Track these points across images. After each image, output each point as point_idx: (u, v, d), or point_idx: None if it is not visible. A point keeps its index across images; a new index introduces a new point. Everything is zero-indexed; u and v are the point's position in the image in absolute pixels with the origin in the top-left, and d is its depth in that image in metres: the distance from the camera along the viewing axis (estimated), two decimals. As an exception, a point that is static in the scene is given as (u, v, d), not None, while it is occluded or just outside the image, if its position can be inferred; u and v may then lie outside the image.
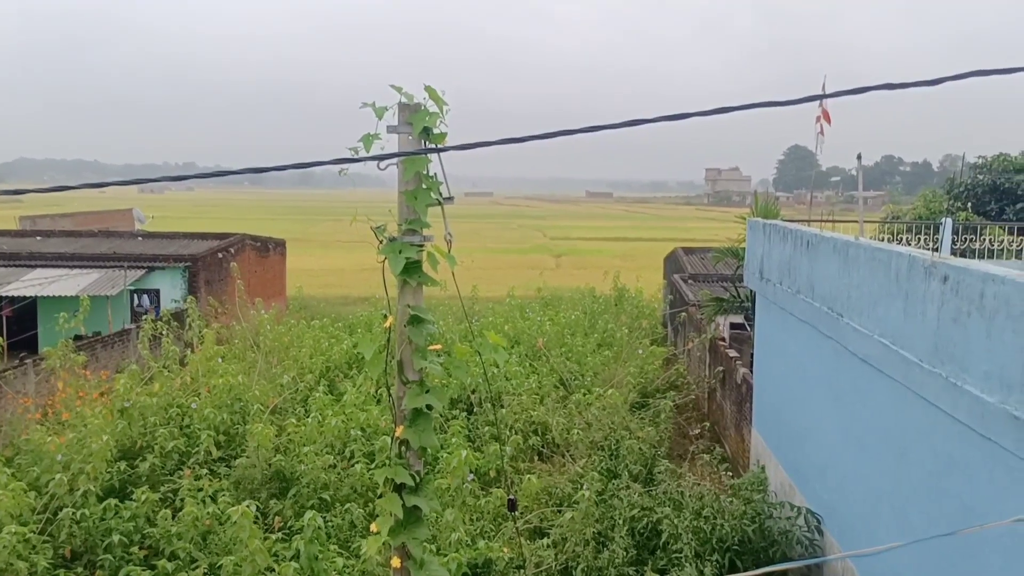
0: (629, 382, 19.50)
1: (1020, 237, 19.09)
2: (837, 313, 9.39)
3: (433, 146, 4.96)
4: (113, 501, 11.32)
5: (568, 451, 15.15)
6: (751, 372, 15.62)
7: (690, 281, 29.14)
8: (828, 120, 15.18)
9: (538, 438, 15.91)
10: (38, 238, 34.70)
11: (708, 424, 18.82)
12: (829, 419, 10.13)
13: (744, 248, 15.94)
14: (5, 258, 28.52)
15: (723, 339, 20.74)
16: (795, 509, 10.63)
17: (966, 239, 19.35)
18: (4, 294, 25.41)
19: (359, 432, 14.27)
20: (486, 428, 15.78)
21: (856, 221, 12.30)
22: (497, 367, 17.57)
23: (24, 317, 26.10)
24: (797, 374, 11.72)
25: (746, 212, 19.77)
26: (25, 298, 25.61)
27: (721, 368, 18.97)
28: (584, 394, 17.56)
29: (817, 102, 14.57)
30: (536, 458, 15.44)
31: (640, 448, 14.36)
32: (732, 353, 18.54)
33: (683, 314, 25.61)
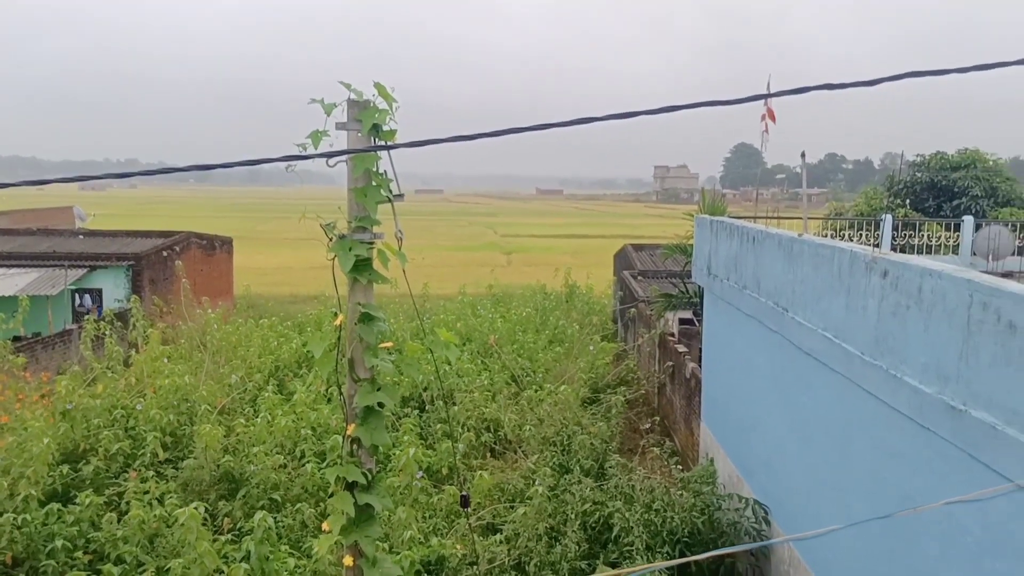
0: (580, 378, 19.64)
1: (956, 233, 19.71)
2: (782, 308, 9.59)
3: (383, 143, 4.94)
4: (56, 506, 11.03)
5: (520, 447, 15.21)
6: (700, 367, 15.85)
7: (640, 277, 29.44)
8: (773, 119, 15.47)
9: (490, 435, 15.94)
10: (-27, 236, 33.59)
11: (658, 418, 19.05)
12: (775, 412, 10.34)
13: (692, 245, 16.17)
14: (-62, 257, 27.57)
15: (672, 334, 21.01)
16: (743, 500, 10.83)
17: (905, 235, 19.92)
18: (-63, 294, 24.57)
19: (310, 431, 14.13)
20: (438, 425, 15.75)
21: (800, 218, 12.57)
22: (449, 364, 17.55)
23: (-41, 318, 25.26)
24: (744, 368, 11.94)
25: (694, 209, 20.06)
26: (-40, 298, 24.79)
27: (671, 363, 19.21)
28: (536, 390, 17.64)
29: (762, 101, 14.84)
30: (489, 455, 15.47)
31: (592, 443, 14.48)
32: (681, 348, 18.78)
33: (633, 310, 25.87)
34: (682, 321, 22.44)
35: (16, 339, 18.96)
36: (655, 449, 15.10)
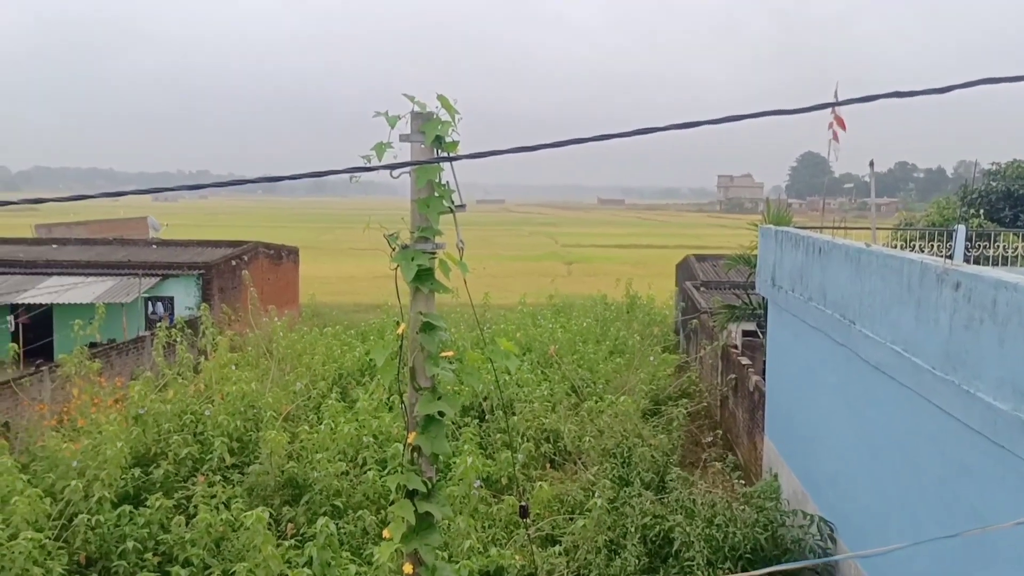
0: (641, 389, 19.47)
1: (1034, 244, 18.98)
2: (849, 320, 9.38)
3: (445, 155, 5.01)
4: (127, 507, 11.40)
5: (580, 458, 15.14)
6: (763, 380, 15.58)
7: (702, 288, 29.09)
8: (843, 126, 15.17)
9: (550, 445, 15.91)
10: (54, 246, 35.04)
11: (720, 432, 18.77)
12: (841, 426, 10.10)
13: (756, 255, 15.92)
14: (21, 266, 28.80)
15: (735, 346, 20.69)
16: (808, 517, 10.59)
17: (980, 246, 19.26)
18: (20, 301, 25.66)
19: (371, 439, 14.30)
20: (498, 435, 15.78)
21: (869, 228, 12.29)
22: (509, 374, 17.60)
23: (40, 324, 26.31)
24: (809, 381, 11.69)
25: (758, 219, 19.74)
26: (41, 305, 25.84)
27: (733, 376, 18.92)
28: (596, 401, 17.55)
29: (829, 109, 14.56)
30: (548, 465, 15.43)
31: (652, 456, 14.34)
32: (744, 360, 18.49)
33: (695, 321, 25.56)
34: (745, 333, 22.09)
35: (92, 345, 19.64)
36: (717, 463, 14.86)
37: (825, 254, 10.54)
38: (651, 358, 22.44)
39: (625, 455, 14.48)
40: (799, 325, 11.86)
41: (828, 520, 10.33)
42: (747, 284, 20.62)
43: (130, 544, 10.77)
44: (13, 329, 24.61)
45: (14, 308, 25.73)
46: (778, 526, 11.00)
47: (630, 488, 12.54)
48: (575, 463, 15.13)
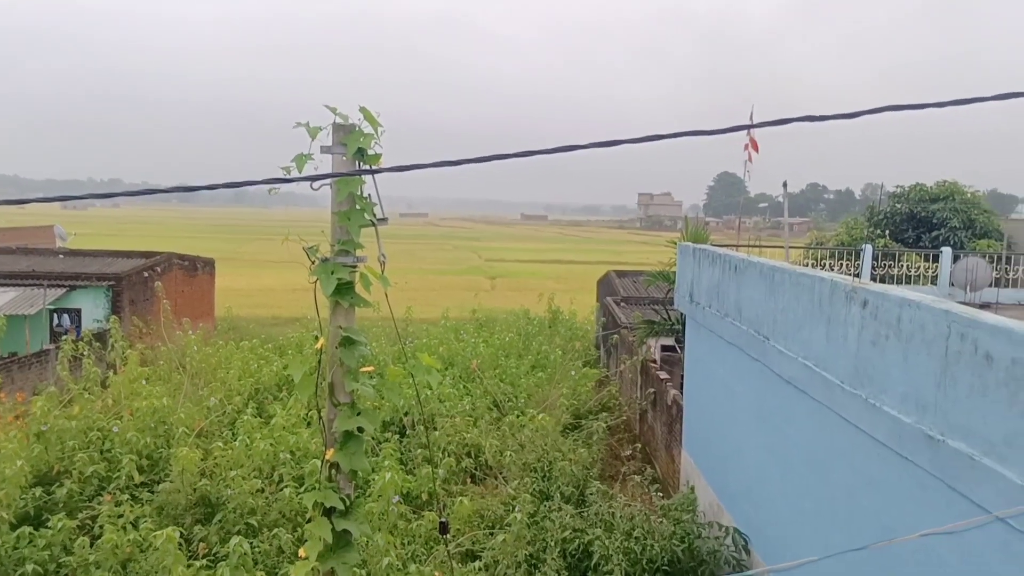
0: (562, 404, 19.60)
1: (935, 264, 19.93)
2: (764, 336, 9.64)
3: (367, 167, 4.95)
4: (27, 529, 10.83)
5: (501, 473, 15.13)
6: (681, 394, 15.87)
7: (623, 304, 29.53)
8: (756, 148, 15.66)
9: (471, 460, 15.85)
10: (-49, 254, 33.24)
11: (640, 445, 19.02)
12: (756, 440, 10.35)
13: (675, 272, 16.26)
14: (-85, 275, 27.24)
15: (654, 361, 21.05)
16: (723, 529, 10.81)
17: (885, 265, 20.11)
18: (-87, 312, 24.25)
19: (288, 455, 13.99)
20: (419, 450, 15.64)
21: (782, 247, 12.69)
22: (430, 389, 17.47)
23: (-66, 336, 24.92)
24: (726, 396, 11.97)
25: (677, 236, 20.19)
26: (-64, 317, 24.47)
27: (652, 390, 19.21)
28: (518, 416, 17.58)
29: (746, 131, 15.02)
30: (469, 480, 15.37)
31: (572, 470, 14.42)
32: (663, 375, 18.81)
33: (615, 336, 25.91)
34: (664, 348, 22.49)
35: (-8, 358, 18.71)
36: (636, 476, 15.05)
37: (741, 272, 10.83)
38: (572, 372, 22.64)
39: (546, 469, 14.52)
40: (716, 340, 12.14)
41: (743, 532, 10.56)
42: (666, 300, 21.02)
43: (30, 568, 10.23)
44: (-96, 341, 23.24)
45: (-95, 319, 24.31)
46: (694, 538, 11.19)
47: (550, 502, 12.58)
48: (496, 478, 15.11)
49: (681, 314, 17.03)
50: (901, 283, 19.05)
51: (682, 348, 17.74)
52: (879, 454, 6.46)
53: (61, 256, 33.15)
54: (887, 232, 30.95)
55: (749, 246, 16.31)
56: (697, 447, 13.83)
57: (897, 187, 33.82)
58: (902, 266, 20.03)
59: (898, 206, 32.56)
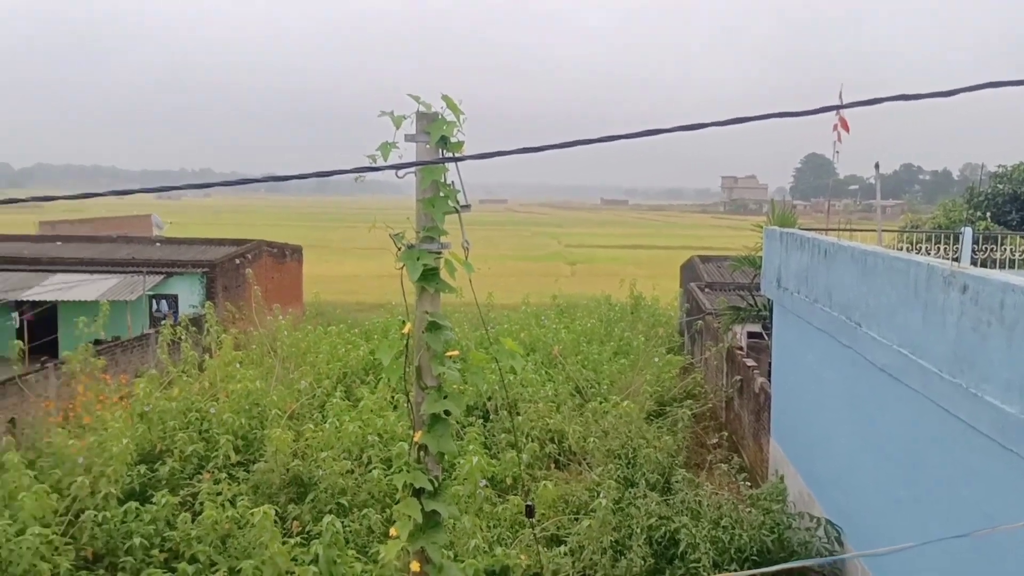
0: (646, 391, 19.45)
1: (1041, 247, 18.94)
2: (855, 322, 9.36)
3: (450, 155, 5.01)
4: (134, 504, 11.42)
5: (585, 459, 15.15)
6: (769, 381, 15.56)
7: (707, 289, 29.07)
8: (846, 128, 15.16)
9: (554, 446, 15.91)
10: (58, 243, 35.08)
11: (726, 434, 18.76)
12: (847, 429, 10.08)
13: (761, 257, 15.91)
14: (26, 263, 28.85)
15: (740, 348, 20.68)
16: (814, 520, 10.58)
17: (986, 249, 19.22)
18: (25, 299, 25.72)
19: (376, 438, 14.31)
20: (503, 435, 15.79)
21: (875, 230, 12.27)
22: (514, 374, 17.59)
23: (45, 322, 26.38)
24: (815, 383, 11.68)
25: (763, 220, 19.72)
26: (46, 303, 25.89)
27: (739, 377, 18.90)
28: (600, 402, 17.54)
29: (834, 111, 14.54)
30: (553, 466, 15.44)
31: (657, 457, 14.33)
32: (750, 362, 18.47)
33: (700, 323, 25.55)
34: (750, 335, 22.07)
35: (97, 342, 19.68)
36: (722, 465, 14.85)
37: (830, 256, 10.52)
38: (656, 359, 22.43)
39: (630, 456, 14.47)
40: (805, 327, 11.85)
41: (835, 523, 10.31)
42: (752, 286, 20.60)
43: (137, 540, 10.79)
44: (18, 326, 24.67)
45: (19, 305, 25.80)
46: (784, 528, 10.99)
47: (635, 489, 12.53)
48: (580, 464, 15.14)
49: (768, 300, 16.66)
50: (1004, 268, 18.18)
51: (769, 335, 17.38)
52: (980, 444, 6.21)
53: (158, 244, 34.60)
54: (988, 214, 29.56)
55: (839, 230, 15.80)
56: (786, 436, 13.54)
57: (999, 167, 32.25)
58: (1005, 250, 19.09)
59: (1000, 187, 31.05)
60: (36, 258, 29.52)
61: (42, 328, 26.15)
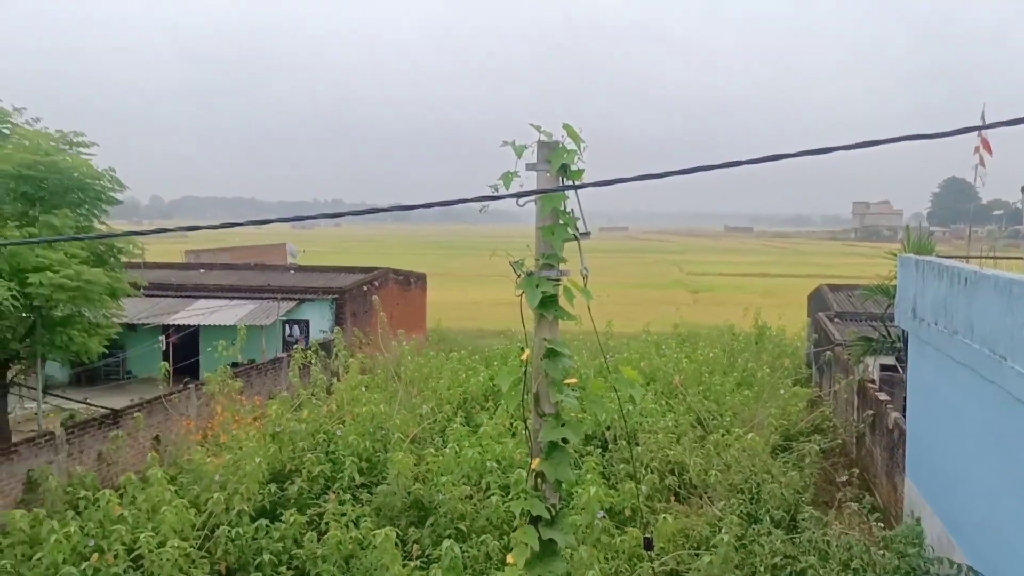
0: (771, 424, 18.80)
1: None
2: (1000, 356, 8.78)
3: (571, 183, 5.06)
4: (264, 521, 11.92)
5: (706, 493, 14.75)
6: (903, 417, 14.76)
7: (836, 320, 27.90)
8: (989, 151, 14.34)
9: (674, 478, 15.56)
10: (201, 271, 37.36)
11: (856, 471, 17.87)
12: (991, 468, 9.42)
13: (895, 286, 15.17)
14: (173, 289, 30.80)
15: (872, 381, 19.71)
16: (955, 566, 9.91)
17: None
18: (171, 322, 27.44)
19: (495, 464, 14.41)
20: (621, 465, 15.58)
21: (1022, 258, 11.50)
22: (633, 403, 17.33)
23: (188, 344, 28.04)
24: (955, 419, 10.99)
25: (897, 248, 18.81)
26: (189, 326, 27.54)
27: (871, 412, 18.01)
28: (723, 434, 17.06)
29: (975, 132, 13.78)
30: (672, 498, 15.10)
31: (783, 493, 13.81)
32: (882, 396, 17.58)
33: (829, 354, 24.52)
34: (883, 367, 20.99)
35: (234, 365, 20.72)
36: (853, 504, 14.13)
37: (972, 285, 9.92)
38: (781, 391, 21.65)
39: (754, 491, 14.00)
40: (943, 360, 11.19)
41: (979, 571, 9.63)
42: (885, 316, 19.65)
43: (266, 557, 11.24)
44: (164, 348, 26.32)
45: (166, 328, 27.54)
46: (922, 574, 10.34)
47: (759, 526, 12.10)
48: (701, 497, 14.75)
49: (902, 331, 15.84)
50: None
51: (903, 367, 16.50)
52: None
53: (292, 272, 36.27)
54: None
55: (982, 257, 14.88)
56: (923, 475, 12.78)
57: None
58: None
59: None
60: (182, 284, 31.48)
61: (186, 350, 27.81)
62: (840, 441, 19.67)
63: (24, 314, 16.42)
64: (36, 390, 19.45)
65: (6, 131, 18.02)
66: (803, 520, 12.07)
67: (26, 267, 15.90)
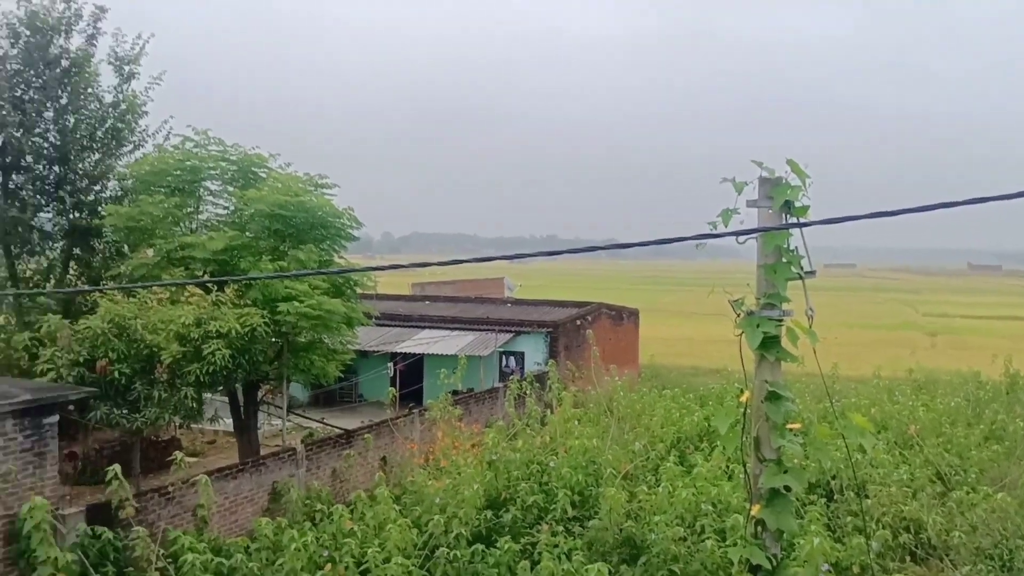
0: (1025, 483, 16.82)
1: None
2: None
3: (795, 220, 4.90)
4: (480, 547, 12.29)
5: (947, 555, 13.43)
6: None
7: (1108, 369, 24.57)
8: None
9: (910, 536, 14.30)
10: (426, 303, 39.51)
11: None
12: None
13: None
14: (401, 319, 32.82)
15: None
16: None
17: None
18: (398, 351, 29.24)
19: (710, 507, 13.97)
20: (848, 518, 14.57)
21: None
22: (862, 452, 16.23)
23: (413, 371, 29.72)
24: None
25: None
26: (414, 355, 29.20)
27: None
28: (968, 492, 15.49)
29: None
30: (908, 558, 13.89)
31: (1040, 561, 12.30)
32: None
33: (1098, 408, 21.61)
34: None
35: (454, 392, 21.67)
36: None
37: None
38: (1039, 447, 19.33)
39: (1006, 557, 12.59)
40: None
41: None
42: None
43: (493, 582, 11.58)
44: (392, 375, 28.07)
45: (393, 356, 29.37)
46: None
47: (1012, 597, 10.85)
48: (941, 560, 13.46)
49: None
50: None
51: None
52: None
53: (508, 305, 37.49)
54: None
55: None
56: None
57: None
58: None
59: None
60: (408, 315, 33.48)
61: (411, 377, 29.49)
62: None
63: (273, 339, 18.20)
64: (282, 409, 21.43)
65: (263, 175, 20.22)
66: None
67: (276, 297, 17.66)
